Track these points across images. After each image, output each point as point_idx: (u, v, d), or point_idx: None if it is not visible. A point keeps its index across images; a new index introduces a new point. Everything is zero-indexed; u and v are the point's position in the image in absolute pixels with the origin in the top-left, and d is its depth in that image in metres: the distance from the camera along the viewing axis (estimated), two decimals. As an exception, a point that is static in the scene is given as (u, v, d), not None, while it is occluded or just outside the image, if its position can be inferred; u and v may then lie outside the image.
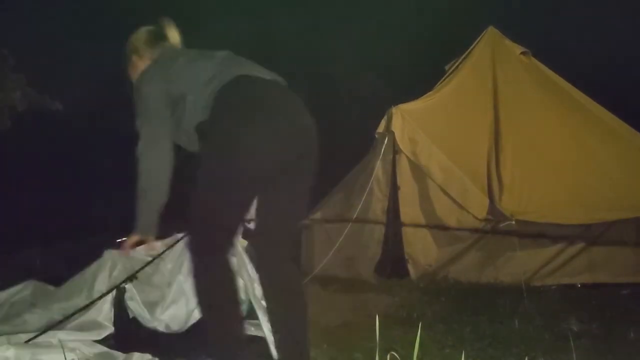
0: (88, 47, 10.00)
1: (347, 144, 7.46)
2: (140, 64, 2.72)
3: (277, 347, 2.45)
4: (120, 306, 3.25)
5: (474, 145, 5.99)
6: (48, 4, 9.64)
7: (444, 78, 6.66)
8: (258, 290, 2.98)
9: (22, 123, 8.59)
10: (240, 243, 3.15)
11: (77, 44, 9.78)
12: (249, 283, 3.12)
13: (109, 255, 3.39)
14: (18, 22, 9.25)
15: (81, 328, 3.04)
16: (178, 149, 2.48)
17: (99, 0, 10.85)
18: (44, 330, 2.83)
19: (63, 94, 8.82)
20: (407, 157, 5.85)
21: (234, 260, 2.80)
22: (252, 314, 3.12)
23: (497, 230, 5.42)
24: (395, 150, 5.88)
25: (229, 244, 2.29)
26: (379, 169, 5.93)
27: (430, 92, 6.38)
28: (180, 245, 3.23)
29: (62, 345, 2.58)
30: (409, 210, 5.87)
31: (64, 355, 2.48)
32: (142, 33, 2.89)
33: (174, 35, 2.84)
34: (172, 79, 2.43)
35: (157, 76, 2.47)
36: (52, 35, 9.25)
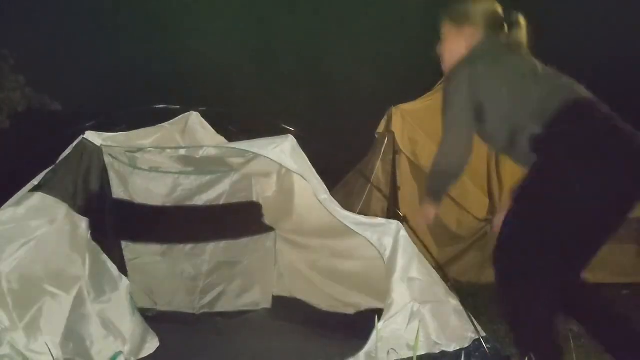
0: (88, 47, 10.01)
1: (347, 144, 7.45)
2: (457, 40, 2.74)
3: None
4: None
5: (474, 145, 5.98)
6: (48, 4, 9.64)
7: (444, 78, 6.65)
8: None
9: (21, 123, 8.60)
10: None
11: (77, 44, 9.77)
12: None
13: None
14: (18, 22, 9.25)
15: None
16: None
17: (99, 1, 10.85)
18: None
19: (63, 93, 8.83)
20: (407, 157, 5.85)
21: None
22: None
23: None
24: (395, 150, 5.88)
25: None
26: (379, 169, 5.93)
27: (430, 92, 6.38)
28: None
29: None
30: (409, 210, 5.86)
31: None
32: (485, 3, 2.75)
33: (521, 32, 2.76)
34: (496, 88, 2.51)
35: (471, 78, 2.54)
36: (52, 35, 9.24)
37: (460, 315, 3.08)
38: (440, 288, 3.13)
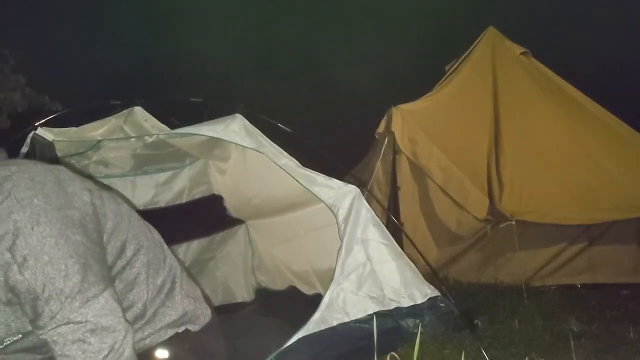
0: (87, 47, 10.01)
1: (347, 144, 7.46)
2: None
3: None
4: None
5: (474, 145, 5.99)
6: (48, 4, 9.64)
7: (444, 78, 6.66)
8: None
9: (21, 123, 8.59)
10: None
11: (77, 44, 9.78)
12: None
13: None
14: (18, 22, 9.25)
15: None
16: None
17: (99, 1, 10.85)
18: None
19: (63, 93, 8.83)
20: (407, 157, 5.84)
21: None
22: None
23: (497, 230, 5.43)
24: (395, 150, 5.87)
25: None
26: (379, 169, 5.93)
27: (430, 92, 6.38)
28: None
29: None
30: (409, 210, 5.86)
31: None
32: None
33: None
34: None
35: None
36: (52, 35, 9.25)
37: (415, 274, 3.16)
38: (394, 248, 3.19)
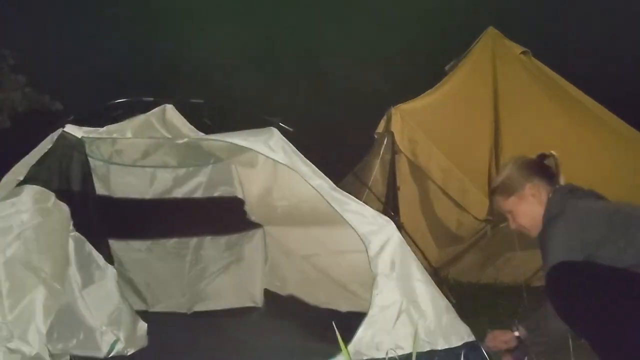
0: (87, 47, 10.01)
1: (347, 144, 7.46)
2: (527, 204, 2.72)
3: None
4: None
5: (474, 145, 5.99)
6: (48, 4, 9.65)
7: (444, 79, 6.66)
8: None
9: (21, 123, 8.59)
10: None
11: (77, 44, 9.78)
12: None
13: None
14: (18, 22, 9.25)
15: None
16: None
17: (99, 1, 10.86)
18: None
19: (63, 93, 8.83)
20: (406, 157, 5.84)
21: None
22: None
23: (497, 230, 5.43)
24: (394, 150, 5.87)
25: None
26: (377, 169, 5.92)
27: (430, 91, 6.37)
28: None
29: None
30: (409, 211, 5.86)
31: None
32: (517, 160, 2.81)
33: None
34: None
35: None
36: (52, 35, 9.25)
37: (451, 315, 3.05)
38: (432, 287, 3.09)
